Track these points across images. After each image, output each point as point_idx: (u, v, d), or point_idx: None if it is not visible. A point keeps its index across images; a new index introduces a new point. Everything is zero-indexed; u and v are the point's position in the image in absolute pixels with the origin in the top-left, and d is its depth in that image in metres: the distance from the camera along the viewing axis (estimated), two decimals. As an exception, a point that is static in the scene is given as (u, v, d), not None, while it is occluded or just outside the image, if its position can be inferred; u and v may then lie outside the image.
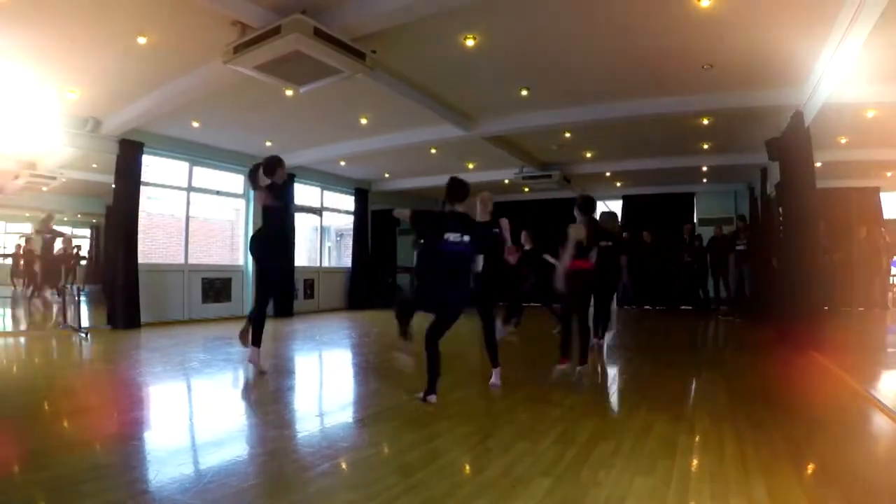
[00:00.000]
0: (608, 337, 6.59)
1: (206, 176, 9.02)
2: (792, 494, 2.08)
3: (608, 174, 10.96)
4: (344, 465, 2.54)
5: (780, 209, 7.03)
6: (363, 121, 7.61)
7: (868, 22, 3.86)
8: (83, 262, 8.87)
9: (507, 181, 10.98)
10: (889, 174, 10.00)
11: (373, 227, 11.99)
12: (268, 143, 8.86)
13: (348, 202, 11.98)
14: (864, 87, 5.37)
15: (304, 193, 10.89)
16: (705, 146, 8.83)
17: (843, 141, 7.84)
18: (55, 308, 7.73)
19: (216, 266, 9.21)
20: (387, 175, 11.76)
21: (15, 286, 9.52)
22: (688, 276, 10.62)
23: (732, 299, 10.20)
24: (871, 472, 2.42)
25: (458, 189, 3.71)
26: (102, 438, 2.72)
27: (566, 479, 2.26)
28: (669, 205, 11.88)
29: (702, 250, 10.51)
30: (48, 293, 9.70)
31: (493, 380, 4.09)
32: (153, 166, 8.01)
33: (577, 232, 4.42)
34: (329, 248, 12.56)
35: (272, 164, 4.52)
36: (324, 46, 4.26)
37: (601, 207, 13.29)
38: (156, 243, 8.24)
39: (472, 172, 11.01)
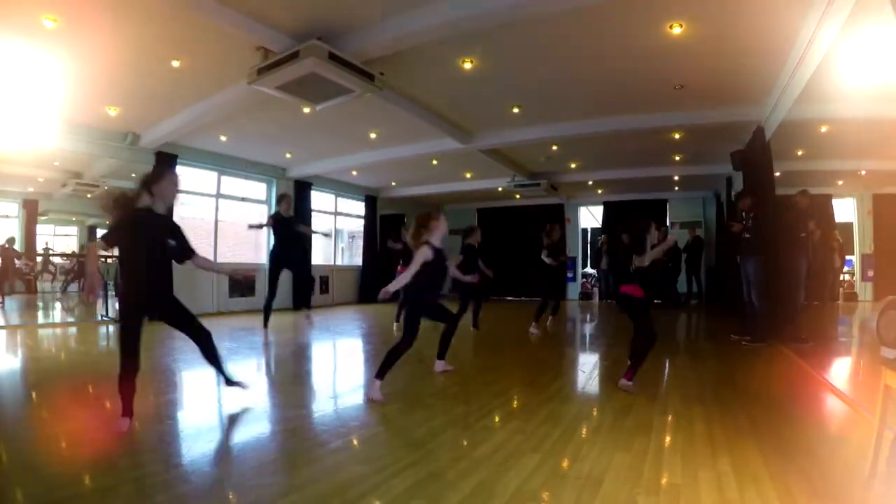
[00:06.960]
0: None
1: (233, 184, 9.04)
2: (754, 467, 2.08)
3: (590, 183, 10.96)
4: (355, 442, 2.53)
5: (744, 214, 7.01)
6: (372, 135, 7.60)
7: (821, 49, 3.88)
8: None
9: (500, 188, 11.06)
10: (840, 182, 10.02)
11: (381, 229, 12.00)
12: (287, 155, 8.85)
13: (359, 207, 12.05)
14: (818, 105, 5.38)
15: (320, 200, 10.87)
16: (677, 158, 8.83)
17: (800, 153, 7.85)
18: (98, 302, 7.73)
19: (242, 264, 9.20)
20: (393, 183, 11.76)
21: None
22: (660, 274, 10.60)
23: (702, 294, 10.20)
24: (823, 447, 2.42)
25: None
26: (140, 417, 2.72)
27: (553, 454, 2.26)
28: (645, 210, 11.86)
29: (677, 251, 10.49)
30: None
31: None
32: (186, 175, 8.02)
33: None
34: (342, 248, 12.58)
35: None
36: (337, 69, 4.27)
37: (584, 213, 13.30)
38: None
39: (469, 181, 11.03)
